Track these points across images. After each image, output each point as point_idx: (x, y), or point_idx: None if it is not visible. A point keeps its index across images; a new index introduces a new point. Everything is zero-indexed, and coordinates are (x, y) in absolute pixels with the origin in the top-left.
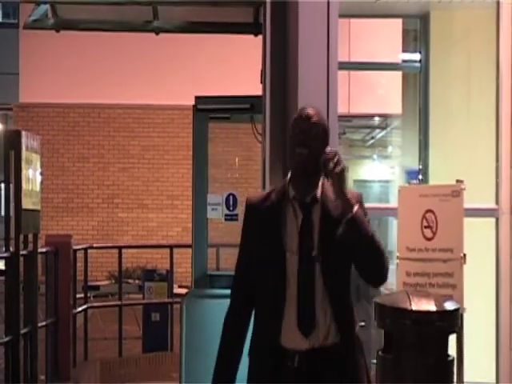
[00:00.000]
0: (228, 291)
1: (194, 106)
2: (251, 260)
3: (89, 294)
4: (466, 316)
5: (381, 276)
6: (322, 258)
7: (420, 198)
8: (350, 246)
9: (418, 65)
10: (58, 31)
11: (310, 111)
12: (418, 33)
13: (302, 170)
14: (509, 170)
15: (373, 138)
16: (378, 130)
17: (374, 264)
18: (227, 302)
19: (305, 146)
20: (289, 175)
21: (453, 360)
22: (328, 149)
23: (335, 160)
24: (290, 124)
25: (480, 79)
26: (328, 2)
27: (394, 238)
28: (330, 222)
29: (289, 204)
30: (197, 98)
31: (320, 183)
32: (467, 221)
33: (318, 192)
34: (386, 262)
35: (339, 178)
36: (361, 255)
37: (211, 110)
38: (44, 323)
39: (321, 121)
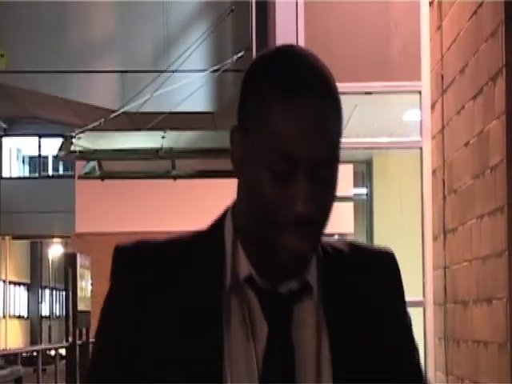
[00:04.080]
0: None
1: None
2: None
3: None
4: None
5: None
6: None
7: None
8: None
9: (365, 197)
10: (102, 180)
11: (311, 57)
12: (364, 174)
13: (306, 221)
14: (432, 271)
15: None
16: None
17: None
18: None
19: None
20: (229, 222)
21: None
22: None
23: None
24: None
25: (409, 205)
26: None
27: None
28: (355, 343)
29: (233, 297)
30: None
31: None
32: None
33: (313, 270)
34: None
35: None
36: None
37: None
38: None
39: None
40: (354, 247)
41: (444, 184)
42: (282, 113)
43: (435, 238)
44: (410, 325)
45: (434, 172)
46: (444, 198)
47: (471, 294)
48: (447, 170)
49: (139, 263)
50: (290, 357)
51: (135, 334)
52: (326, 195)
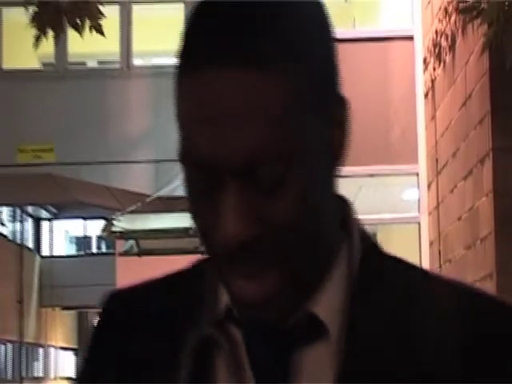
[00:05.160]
0: None
1: None
2: None
3: None
4: None
5: None
6: None
7: None
8: None
9: None
10: (140, 256)
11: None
12: None
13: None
14: None
15: None
16: None
17: None
18: None
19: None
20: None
21: None
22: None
23: None
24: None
25: None
26: None
27: None
28: None
29: (216, 339)
30: None
31: (331, 274)
32: None
33: (324, 299)
34: None
35: None
36: None
37: None
38: None
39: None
40: (431, 278)
41: (440, 254)
42: (184, 94)
43: None
44: None
45: (430, 244)
46: (440, 266)
47: None
48: (442, 242)
49: (119, 307)
50: None
51: None
52: (278, 204)
